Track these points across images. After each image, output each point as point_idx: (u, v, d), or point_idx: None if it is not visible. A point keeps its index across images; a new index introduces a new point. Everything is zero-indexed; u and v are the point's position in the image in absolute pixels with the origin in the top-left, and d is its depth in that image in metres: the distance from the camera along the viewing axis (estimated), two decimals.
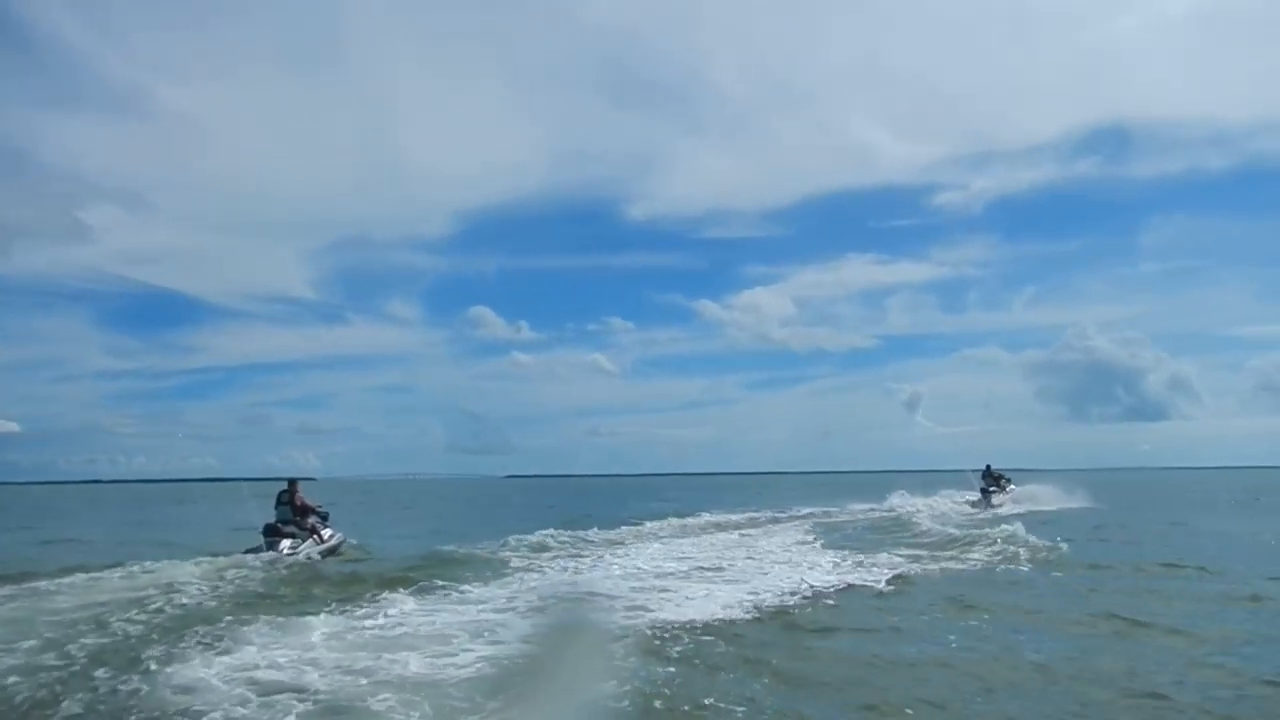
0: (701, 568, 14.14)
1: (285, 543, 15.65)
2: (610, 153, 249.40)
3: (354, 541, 18.05)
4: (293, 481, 16.55)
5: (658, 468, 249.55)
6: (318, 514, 16.83)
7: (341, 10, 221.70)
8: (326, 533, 16.88)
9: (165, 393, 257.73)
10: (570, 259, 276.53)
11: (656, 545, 18.28)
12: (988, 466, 32.83)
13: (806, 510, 29.96)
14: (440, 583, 11.83)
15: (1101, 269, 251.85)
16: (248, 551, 15.28)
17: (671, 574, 13.31)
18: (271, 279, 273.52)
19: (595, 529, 20.59)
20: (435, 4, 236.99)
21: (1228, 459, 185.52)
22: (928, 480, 44.32)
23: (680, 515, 26.36)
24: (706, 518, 26.21)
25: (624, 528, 21.99)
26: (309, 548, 16.03)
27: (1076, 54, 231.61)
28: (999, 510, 28.86)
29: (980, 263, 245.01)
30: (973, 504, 30.77)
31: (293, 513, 16.31)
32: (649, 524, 23.13)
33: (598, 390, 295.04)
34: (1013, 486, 32.68)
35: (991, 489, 31.26)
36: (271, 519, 16.15)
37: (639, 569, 14.00)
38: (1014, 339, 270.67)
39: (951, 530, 20.07)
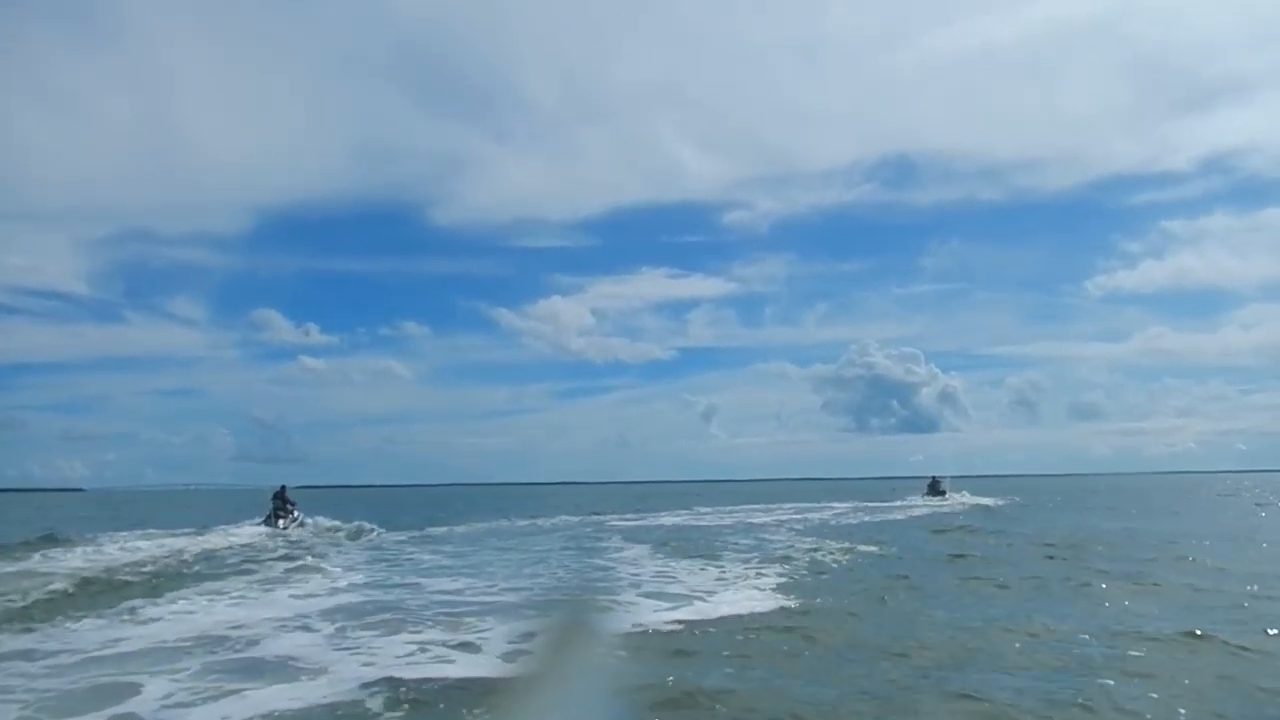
0: None
1: (280, 522, 27.65)
2: (417, 154, 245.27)
3: (310, 519, 30.00)
4: (283, 486, 28.64)
5: (458, 478, 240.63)
6: (292, 504, 28.92)
7: None
8: (296, 514, 28.97)
9: None
10: (369, 262, 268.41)
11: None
12: (933, 476, 50.78)
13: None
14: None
15: (884, 289, 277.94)
16: (261, 524, 27.17)
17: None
18: (39, 271, 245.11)
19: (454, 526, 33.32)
20: None
21: (990, 468, 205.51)
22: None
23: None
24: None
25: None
26: (288, 523, 28.12)
27: (865, 86, 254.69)
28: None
29: (776, 280, 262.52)
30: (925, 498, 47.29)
31: (282, 503, 28.36)
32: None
33: (393, 397, 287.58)
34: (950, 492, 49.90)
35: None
36: (270, 508, 28.14)
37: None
38: (804, 354, 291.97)
39: None
